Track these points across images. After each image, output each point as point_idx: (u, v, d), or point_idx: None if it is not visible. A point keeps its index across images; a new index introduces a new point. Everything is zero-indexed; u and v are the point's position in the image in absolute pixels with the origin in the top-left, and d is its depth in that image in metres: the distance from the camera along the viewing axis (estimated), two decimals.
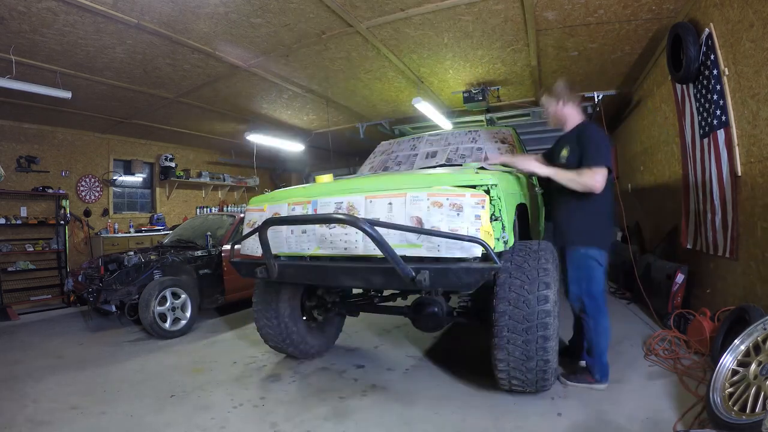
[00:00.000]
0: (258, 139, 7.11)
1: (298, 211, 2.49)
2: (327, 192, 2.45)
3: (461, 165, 3.29)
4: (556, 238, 2.77)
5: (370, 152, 4.37)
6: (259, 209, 2.69)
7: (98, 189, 7.40)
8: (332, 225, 2.26)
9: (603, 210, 2.60)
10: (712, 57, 3.09)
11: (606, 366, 2.59)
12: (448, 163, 3.46)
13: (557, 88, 2.70)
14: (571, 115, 2.70)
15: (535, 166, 2.68)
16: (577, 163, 2.50)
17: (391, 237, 2.08)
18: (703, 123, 3.37)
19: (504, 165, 2.88)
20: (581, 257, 2.59)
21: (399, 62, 4.60)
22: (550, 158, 2.82)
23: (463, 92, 5.39)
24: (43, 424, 2.43)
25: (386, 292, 3.49)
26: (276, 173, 11.69)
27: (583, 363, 2.75)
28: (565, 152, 2.63)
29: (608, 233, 2.68)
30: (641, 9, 3.55)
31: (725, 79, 2.98)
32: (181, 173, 8.52)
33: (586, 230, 2.58)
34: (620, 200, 6.23)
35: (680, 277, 3.73)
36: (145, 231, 7.65)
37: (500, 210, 2.14)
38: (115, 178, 7.63)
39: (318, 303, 3.42)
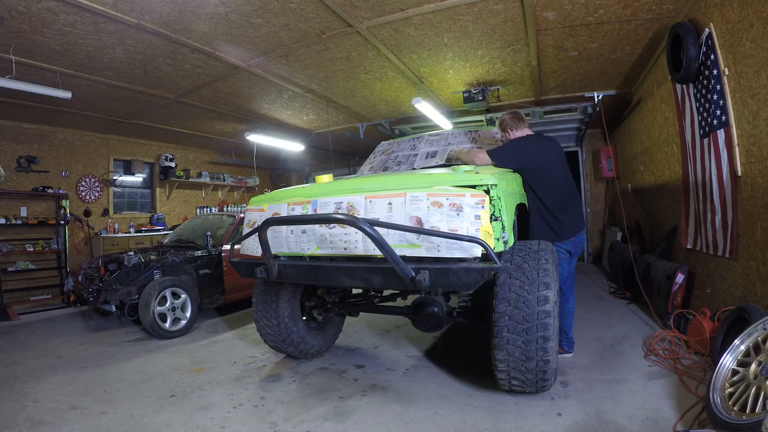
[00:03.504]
0: (258, 139, 7.12)
1: (298, 211, 2.49)
2: (327, 192, 2.45)
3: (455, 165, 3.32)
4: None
5: (370, 152, 4.37)
6: (258, 209, 2.69)
7: (98, 189, 7.41)
8: (332, 225, 2.26)
9: (538, 208, 2.97)
10: (712, 57, 3.09)
11: (571, 339, 3.17)
12: (448, 164, 3.46)
13: (505, 118, 3.21)
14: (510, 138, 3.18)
15: (469, 157, 3.07)
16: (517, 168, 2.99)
17: (390, 237, 2.08)
18: (703, 123, 3.37)
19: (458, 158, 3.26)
20: None
21: (399, 62, 4.60)
22: None
23: (463, 92, 5.39)
24: (43, 424, 2.43)
25: (386, 292, 3.49)
26: (276, 173, 11.70)
27: None
28: None
29: (551, 227, 2.98)
30: (641, 9, 3.55)
31: (725, 79, 2.98)
32: (181, 173, 8.52)
33: (532, 228, 3.00)
34: (620, 200, 6.29)
35: (680, 277, 3.73)
36: (145, 231, 7.65)
37: (500, 210, 2.14)
38: (115, 178, 7.63)
39: (318, 303, 3.42)
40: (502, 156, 2.95)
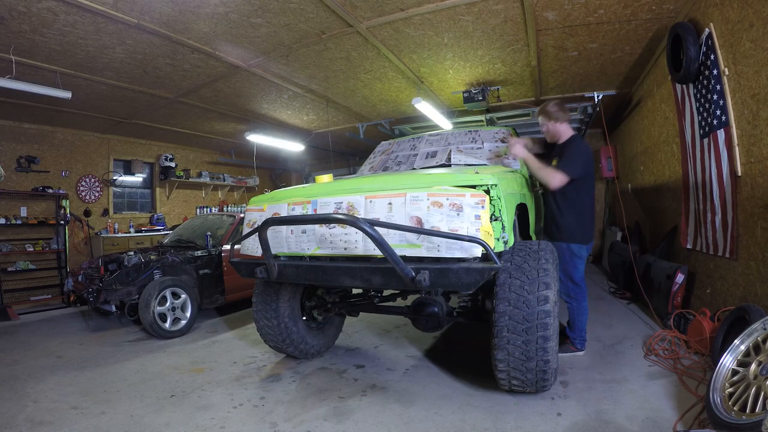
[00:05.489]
0: (258, 139, 7.12)
1: (298, 211, 2.49)
2: (327, 192, 2.45)
3: (467, 165, 3.32)
4: (544, 235, 3.33)
5: (370, 152, 4.37)
6: (259, 209, 2.69)
7: (98, 189, 7.41)
8: (332, 225, 2.26)
9: (582, 212, 3.09)
10: (712, 57, 3.09)
11: (585, 338, 3.21)
12: (448, 164, 3.46)
13: (550, 109, 3.16)
14: (564, 131, 3.19)
15: (519, 150, 3.11)
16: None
17: (390, 237, 2.08)
18: (703, 123, 3.37)
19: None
20: (564, 251, 3.08)
21: (399, 62, 4.60)
22: (546, 156, 3.25)
23: (463, 92, 5.39)
24: (43, 424, 2.43)
25: (386, 292, 3.49)
26: (276, 173, 11.70)
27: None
28: (555, 162, 3.07)
29: (587, 231, 3.15)
30: (641, 9, 3.55)
31: (725, 79, 2.98)
32: (181, 173, 8.52)
33: (568, 229, 3.08)
34: (620, 200, 6.29)
35: (680, 277, 3.73)
36: (145, 231, 7.65)
37: (500, 210, 2.14)
38: (115, 178, 7.64)
39: (318, 303, 3.42)
40: (576, 169, 2.95)
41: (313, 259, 2.47)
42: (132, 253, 4.68)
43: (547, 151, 3.36)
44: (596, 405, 2.38)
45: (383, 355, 3.46)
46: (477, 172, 2.27)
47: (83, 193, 7.19)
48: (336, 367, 3.21)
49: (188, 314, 4.40)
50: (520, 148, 3.09)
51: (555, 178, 2.91)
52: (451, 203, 2.04)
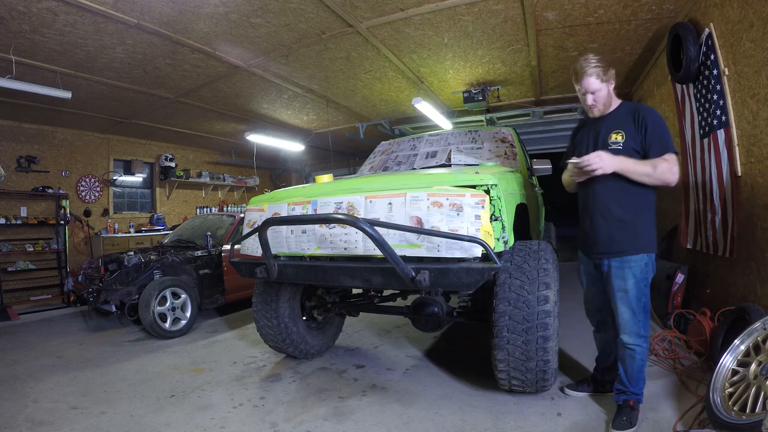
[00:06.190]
0: (258, 139, 7.12)
1: (298, 211, 2.49)
2: (327, 192, 2.45)
3: (467, 165, 3.30)
4: (590, 247, 2.22)
5: (370, 152, 4.37)
6: (259, 209, 2.69)
7: (98, 189, 7.41)
8: (332, 225, 2.26)
9: (654, 207, 2.14)
10: (712, 57, 3.09)
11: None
12: (448, 163, 3.46)
13: (610, 68, 2.10)
14: (613, 96, 2.19)
15: (609, 162, 2.01)
16: (641, 149, 2.07)
17: (390, 237, 2.08)
18: (703, 123, 3.37)
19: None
20: (647, 267, 2.06)
21: (399, 62, 4.60)
22: (573, 150, 2.32)
23: (463, 92, 5.40)
24: (43, 424, 2.43)
25: (386, 292, 3.48)
26: (276, 173, 11.70)
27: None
28: (618, 137, 2.09)
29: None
30: (641, 9, 3.55)
31: (725, 79, 2.98)
32: (181, 173, 8.52)
33: (649, 233, 2.08)
34: None
35: (680, 277, 3.72)
36: (145, 231, 7.65)
37: (500, 210, 2.14)
38: (115, 178, 7.63)
39: (318, 303, 3.42)
40: (671, 143, 2.09)
41: (313, 259, 2.47)
42: (132, 253, 4.68)
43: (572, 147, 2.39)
44: (596, 405, 2.37)
45: (383, 355, 3.46)
46: (477, 172, 2.27)
47: (83, 193, 7.19)
48: (336, 367, 3.20)
49: (188, 314, 4.40)
50: (608, 159, 2.00)
51: (675, 169, 1.99)
52: (451, 203, 2.04)
